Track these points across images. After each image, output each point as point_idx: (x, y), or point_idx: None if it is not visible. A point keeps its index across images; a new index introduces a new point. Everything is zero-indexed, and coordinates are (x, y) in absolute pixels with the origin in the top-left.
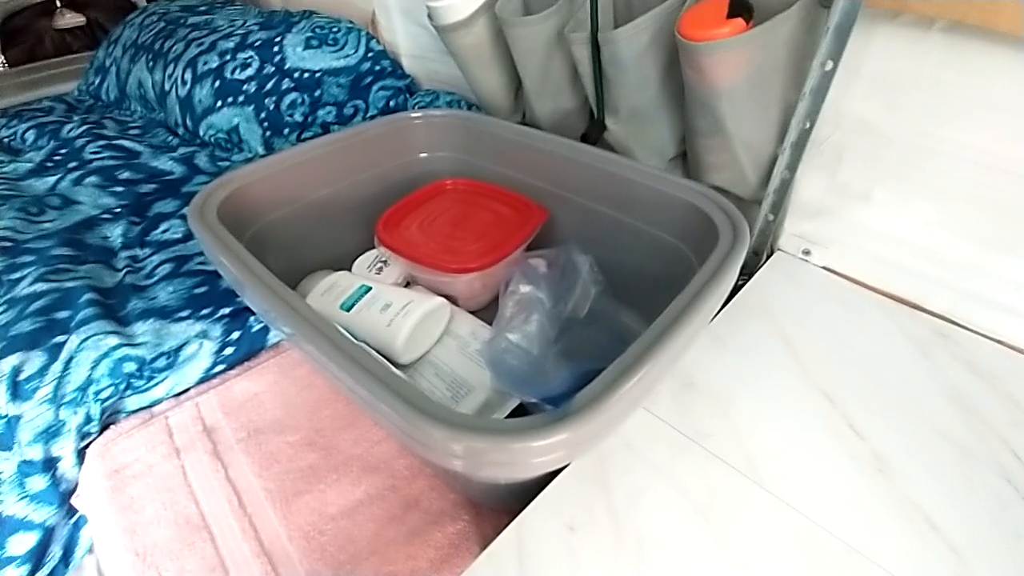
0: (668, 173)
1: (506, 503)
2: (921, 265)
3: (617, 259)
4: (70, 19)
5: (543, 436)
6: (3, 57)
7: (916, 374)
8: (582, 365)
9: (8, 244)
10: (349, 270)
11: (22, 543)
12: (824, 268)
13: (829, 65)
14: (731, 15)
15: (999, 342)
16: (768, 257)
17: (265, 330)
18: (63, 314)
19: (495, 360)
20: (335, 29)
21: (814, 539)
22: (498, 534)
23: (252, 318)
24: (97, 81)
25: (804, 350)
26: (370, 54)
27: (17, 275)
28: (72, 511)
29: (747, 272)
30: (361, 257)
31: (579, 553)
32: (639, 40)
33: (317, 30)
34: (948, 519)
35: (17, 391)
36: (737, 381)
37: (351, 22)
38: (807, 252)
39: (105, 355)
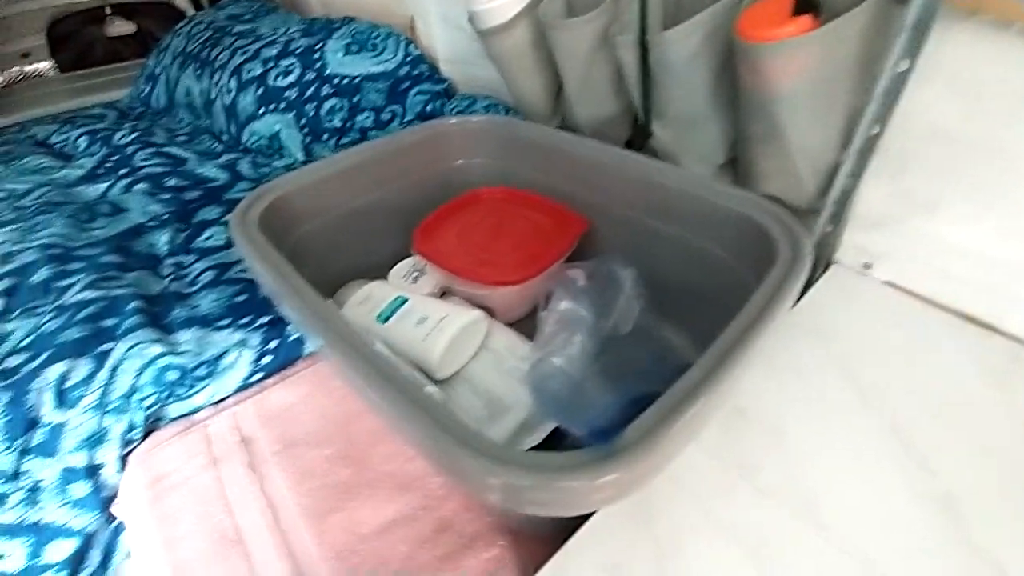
0: (718, 182)
1: (545, 528)
2: (995, 282)
3: (661, 272)
4: (120, 27)
5: (592, 475)
6: (54, 62)
7: (989, 404)
8: (627, 389)
9: (59, 251)
10: (386, 278)
11: (60, 550)
12: (886, 283)
13: (903, 65)
14: (797, 12)
15: None
16: (824, 270)
17: (302, 339)
18: (110, 322)
19: (538, 387)
20: (375, 35)
21: None
22: (536, 562)
23: (290, 327)
24: (147, 89)
25: (864, 373)
26: (408, 59)
27: (66, 282)
28: (112, 517)
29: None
30: (398, 265)
31: None
32: (690, 42)
33: (357, 35)
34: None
35: (63, 398)
36: (790, 408)
37: (390, 27)
38: (867, 265)
39: (149, 363)
